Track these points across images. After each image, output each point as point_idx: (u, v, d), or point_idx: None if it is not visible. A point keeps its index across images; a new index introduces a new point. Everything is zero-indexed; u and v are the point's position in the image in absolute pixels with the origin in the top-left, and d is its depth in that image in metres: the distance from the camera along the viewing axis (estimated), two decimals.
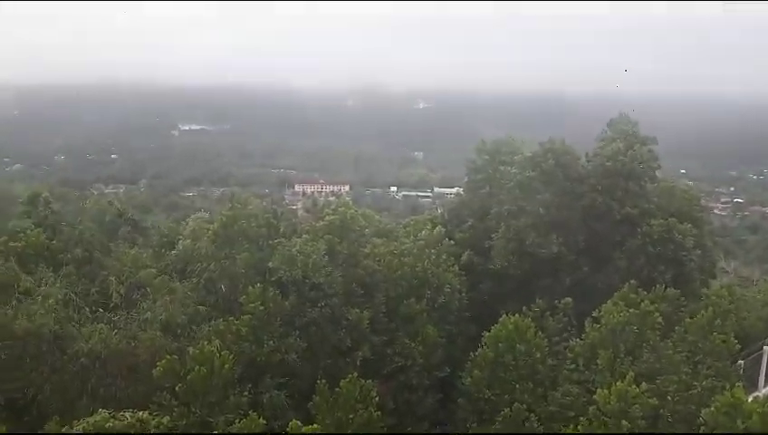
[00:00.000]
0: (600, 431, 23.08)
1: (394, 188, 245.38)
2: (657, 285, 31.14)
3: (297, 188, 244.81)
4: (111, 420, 21.43)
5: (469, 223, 37.28)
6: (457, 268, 33.97)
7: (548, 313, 31.93)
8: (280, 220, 32.65)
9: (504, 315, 29.24)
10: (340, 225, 31.27)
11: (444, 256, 33.13)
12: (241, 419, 23.35)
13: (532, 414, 27.08)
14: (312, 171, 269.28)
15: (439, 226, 35.52)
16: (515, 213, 35.64)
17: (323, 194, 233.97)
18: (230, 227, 31.28)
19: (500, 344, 28.41)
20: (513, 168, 36.50)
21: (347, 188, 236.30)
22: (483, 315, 33.99)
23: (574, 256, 35.57)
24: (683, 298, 31.01)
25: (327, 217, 31.47)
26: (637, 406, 23.47)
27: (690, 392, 25.75)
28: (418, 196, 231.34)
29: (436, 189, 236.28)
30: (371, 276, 31.57)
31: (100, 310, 27.86)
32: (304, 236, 31.05)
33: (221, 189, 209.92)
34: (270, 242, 31.08)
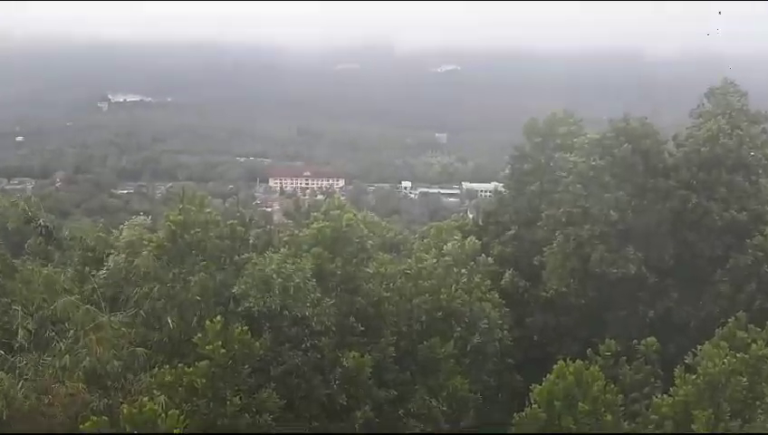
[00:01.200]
0: None
1: (407, 184, 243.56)
2: None
3: (272, 182, 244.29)
4: None
5: (512, 232, 37.47)
6: (497, 296, 33.96)
7: (623, 358, 31.85)
8: (249, 228, 32.70)
9: (561, 362, 29.22)
10: (333, 235, 31.26)
11: (478, 279, 33.20)
12: None
13: None
14: (292, 160, 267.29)
15: (471, 236, 35.65)
16: (577, 217, 35.69)
17: (309, 191, 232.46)
18: (180, 238, 30.96)
19: (555, 402, 28.38)
20: (573, 154, 36.53)
21: (341, 183, 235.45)
22: (532, 361, 33.93)
23: (659, 277, 35.54)
24: None
25: (314, 225, 31.52)
26: None
27: None
28: (441, 194, 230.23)
29: (465, 185, 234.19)
30: (376, 307, 31.46)
31: (1, 352, 27.81)
32: (283, 250, 31.09)
33: (167, 185, 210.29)
34: (236, 259, 31.08)
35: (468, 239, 34.52)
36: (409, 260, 33.41)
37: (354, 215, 32.10)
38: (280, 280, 29.37)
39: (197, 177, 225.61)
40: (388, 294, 31.80)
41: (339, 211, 31.56)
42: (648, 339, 32.00)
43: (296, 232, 32.70)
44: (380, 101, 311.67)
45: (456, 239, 34.36)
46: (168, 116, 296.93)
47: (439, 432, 28.39)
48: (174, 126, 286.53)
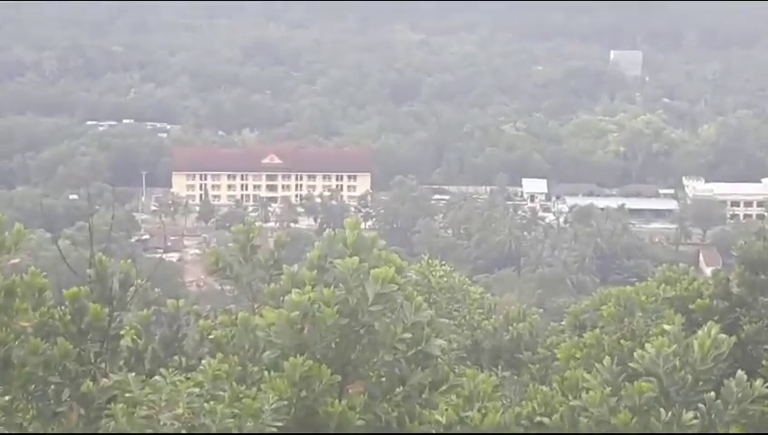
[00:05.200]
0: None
1: (536, 185, 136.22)
2: None
3: (182, 181, 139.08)
4: None
5: None
6: None
7: None
8: (119, 307, 14.10)
9: None
10: (341, 321, 13.05)
11: None
12: None
13: None
14: (236, 128, 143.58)
15: (710, 322, 14.40)
16: None
17: (278, 204, 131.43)
18: None
19: None
20: None
21: (362, 183, 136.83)
22: None
23: None
24: None
25: (293, 294, 13.06)
26: None
27: None
28: (631, 211, 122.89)
29: (691, 187, 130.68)
30: None
31: None
32: (208, 363, 12.83)
33: None
34: (85, 388, 12.31)
35: (702, 331, 13.45)
36: (546, 389, 13.47)
37: (401, 263, 13.30)
38: None
39: None
40: None
41: (355, 255, 12.93)
42: None
43: (242, 312, 13.91)
44: None
45: (666, 331, 13.38)
46: None
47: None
48: None
